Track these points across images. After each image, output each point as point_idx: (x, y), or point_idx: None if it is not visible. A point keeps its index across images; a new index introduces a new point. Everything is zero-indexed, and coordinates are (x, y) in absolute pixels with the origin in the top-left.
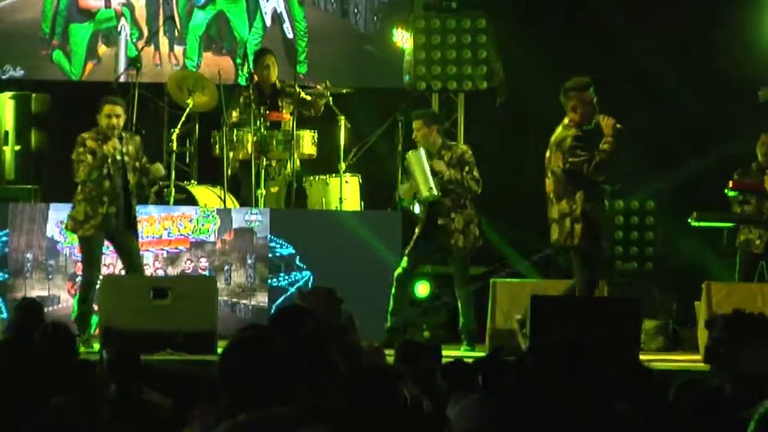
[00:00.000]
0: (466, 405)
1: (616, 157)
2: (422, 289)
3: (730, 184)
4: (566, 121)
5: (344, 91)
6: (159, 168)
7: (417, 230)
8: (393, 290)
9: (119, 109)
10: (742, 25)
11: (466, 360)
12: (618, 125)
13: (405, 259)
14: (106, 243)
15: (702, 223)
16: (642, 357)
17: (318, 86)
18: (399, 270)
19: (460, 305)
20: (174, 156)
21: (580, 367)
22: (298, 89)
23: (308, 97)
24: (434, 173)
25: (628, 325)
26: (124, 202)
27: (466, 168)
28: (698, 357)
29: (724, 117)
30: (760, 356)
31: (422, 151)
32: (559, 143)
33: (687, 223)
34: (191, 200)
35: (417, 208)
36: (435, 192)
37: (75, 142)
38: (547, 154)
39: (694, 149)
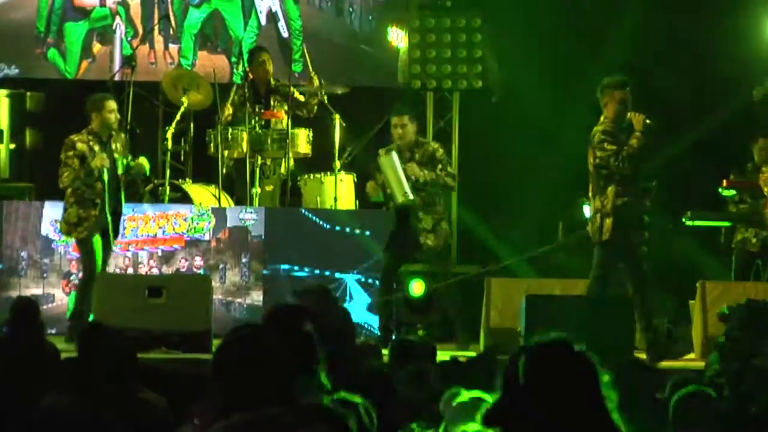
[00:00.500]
0: (461, 404)
1: (646, 151)
2: (417, 287)
3: (725, 182)
4: (601, 118)
5: (339, 91)
6: (141, 165)
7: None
8: (380, 289)
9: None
10: (737, 24)
11: (460, 359)
12: (648, 121)
13: (385, 257)
14: None
15: (696, 223)
16: (636, 356)
17: (313, 78)
18: (383, 268)
19: (447, 305)
20: (169, 154)
21: (572, 365)
22: (292, 89)
23: (302, 98)
24: (408, 177)
25: (622, 324)
26: (116, 200)
27: (439, 166)
28: (693, 356)
29: (718, 116)
30: None
31: (395, 155)
32: (590, 140)
33: (681, 223)
34: (186, 199)
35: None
36: (410, 197)
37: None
38: (588, 154)
39: (688, 148)
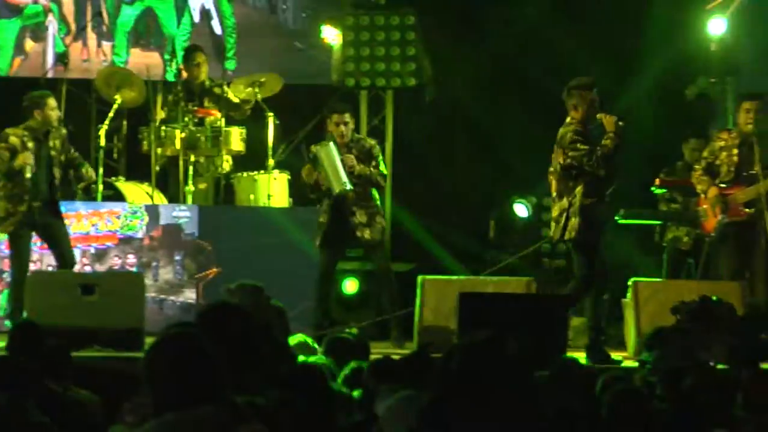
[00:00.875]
0: (394, 402)
1: (619, 152)
2: (350, 285)
3: (657, 181)
4: (568, 119)
5: (271, 93)
6: (90, 173)
7: (321, 224)
8: (316, 286)
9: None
10: (670, 22)
11: (393, 357)
12: (620, 122)
13: (321, 254)
14: (34, 239)
15: (629, 221)
16: (570, 354)
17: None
18: (319, 266)
19: (384, 299)
20: (102, 152)
21: (504, 364)
22: (226, 89)
23: (236, 100)
24: (345, 166)
25: (556, 322)
26: (50, 196)
27: (373, 162)
28: (625, 354)
29: (651, 115)
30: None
31: (332, 145)
32: (559, 140)
33: (614, 221)
34: (119, 196)
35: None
36: (348, 186)
37: None
38: (553, 155)
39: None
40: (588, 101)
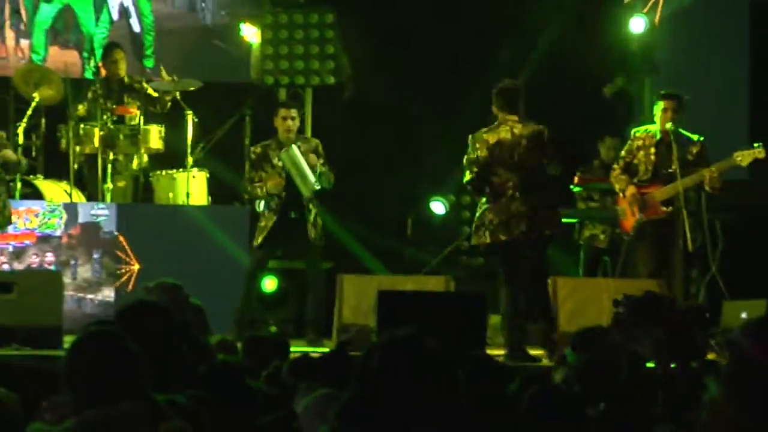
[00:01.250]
0: (312, 400)
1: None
2: (269, 284)
3: (576, 179)
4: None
5: (191, 88)
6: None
7: (266, 225)
8: (244, 285)
9: None
10: (591, 22)
11: (312, 355)
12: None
13: (256, 253)
14: None
15: None
16: (488, 352)
17: (164, 76)
18: (250, 265)
19: (311, 299)
20: (20, 150)
21: (425, 361)
22: (145, 85)
23: (155, 94)
24: (311, 167)
25: (474, 320)
26: None
27: (321, 160)
28: (542, 351)
29: (569, 113)
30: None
31: (295, 147)
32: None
33: None
34: (37, 194)
35: (262, 205)
36: (317, 186)
37: None
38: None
39: None
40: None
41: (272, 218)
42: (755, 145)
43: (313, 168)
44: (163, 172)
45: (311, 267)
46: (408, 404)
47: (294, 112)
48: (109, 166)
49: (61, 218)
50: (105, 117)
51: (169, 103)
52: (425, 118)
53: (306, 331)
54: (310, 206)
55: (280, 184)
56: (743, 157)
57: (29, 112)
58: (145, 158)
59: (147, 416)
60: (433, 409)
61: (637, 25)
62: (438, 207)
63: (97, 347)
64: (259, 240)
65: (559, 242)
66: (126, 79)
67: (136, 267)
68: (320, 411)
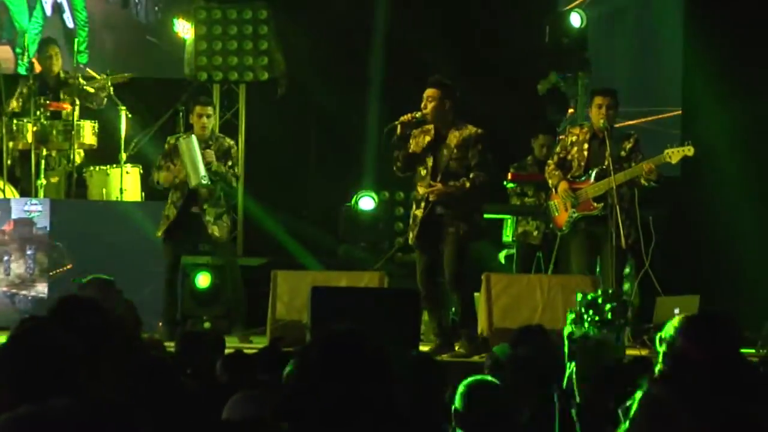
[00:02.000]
0: (242, 396)
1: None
2: (203, 280)
3: (509, 175)
4: None
5: (125, 75)
6: None
7: (168, 215)
8: (165, 282)
9: None
10: (522, 17)
11: (246, 351)
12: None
13: (166, 248)
14: None
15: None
16: (421, 348)
17: (99, 77)
18: (167, 260)
19: (231, 295)
20: None
21: (360, 359)
22: (81, 80)
23: (91, 89)
24: (205, 162)
25: (408, 316)
26: None
27: (230, 162)
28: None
29: (502, 109)
30: None
31: (194, 139)
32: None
33: None
34: None
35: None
36: (206, 181)
37: None
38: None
39: None
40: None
41: (173, 211)
42: (685, 143)
43: (207, 163)
44: (97, 168)
45: (225, 264)
46: (343, 401)
47: (210, 110)
48: (43, 161)
49: None
50: (38, 113)
51: (105, 99)
52: (360, 114)
53: (234, 327)
54: (206, 206)
55: (169, 178)
56: (673, 155)
57: None
58: (80, 154)
59: (82, 411)
60: (367, 406)
61: (576, 20)
62: (367, 203)
63: (29, 342)
64: (161, 231)
65: (492, 238)
66: (61, 75)
67: (69, 263)
68: (251, 407)
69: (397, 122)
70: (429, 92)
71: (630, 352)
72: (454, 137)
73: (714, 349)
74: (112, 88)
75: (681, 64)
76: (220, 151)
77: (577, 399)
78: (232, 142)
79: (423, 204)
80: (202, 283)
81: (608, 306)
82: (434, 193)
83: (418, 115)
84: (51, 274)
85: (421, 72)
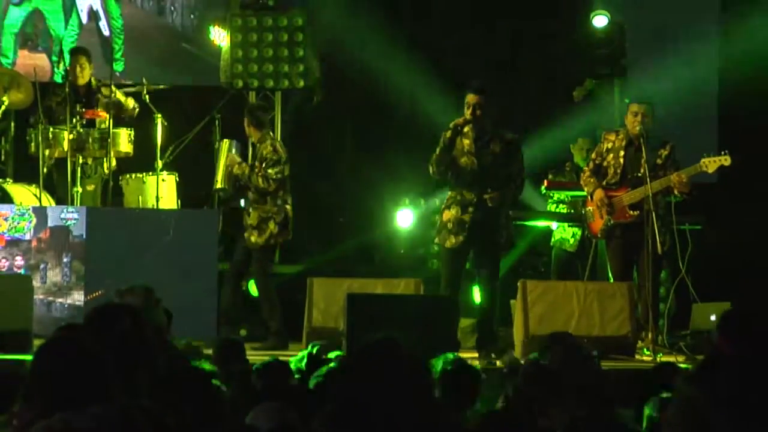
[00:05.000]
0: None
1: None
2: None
3: (546, 183)
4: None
5: (161, 86)
6: None
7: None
8: (225, 290)
9: None
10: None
11: (282, 359)
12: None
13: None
14: None
15: (517, 222)
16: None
17: (134, 87)
18: (230, 269)
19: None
20: None
21: (398, 365)
22: (114, 89)
23: (123, 99)
24: (226, 166)
25: (445, 323)
26: None
27: (264, 164)
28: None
29: (539, 116)
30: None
31: (226, 144)
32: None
33: None
34: (6, 198)
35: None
36: (219, 185)
37: None
38: None
39: None
40: (466, 104)
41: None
42: (722, 152)
43: (228, 168)
44: (133, 176)
45: (253, 270)
46: (384, 406)
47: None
48: (79, 169)
49: (30, 222)
50: (75, 120)
51: (137, 109)
52: (393, 120)
53: (267, 335)
54: (250, 209)
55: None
56: (710, 164)
57: None
58: (114, 162)
59: (115, 419)
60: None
61: (600, 21)
62: (405, 218)
63: (65, 350)
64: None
65: (529, 245)
66: (93, 83)
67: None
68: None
69: (450, 126)
70: (473, 98)
71: (666, 358)
72: (496, 143)
73: (749, 345)
74: (147, 96)
75: (717, 74)
76: (258, 154)
77: None
78: (270, 147)
79: (471, 209)
80: (254, 291)
81: None
82: (493, 199)
83: (461, 120)
84: (86, 299)
85: (456, 79)
